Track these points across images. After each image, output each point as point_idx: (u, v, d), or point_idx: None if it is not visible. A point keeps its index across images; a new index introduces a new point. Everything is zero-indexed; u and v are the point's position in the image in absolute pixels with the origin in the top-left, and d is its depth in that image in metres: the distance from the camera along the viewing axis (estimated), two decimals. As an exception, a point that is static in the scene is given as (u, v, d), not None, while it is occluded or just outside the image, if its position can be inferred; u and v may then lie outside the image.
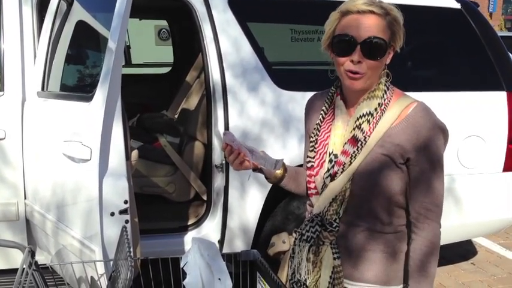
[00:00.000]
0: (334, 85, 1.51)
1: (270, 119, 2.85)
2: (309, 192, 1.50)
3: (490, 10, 34.59)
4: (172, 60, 5.22)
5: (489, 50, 3.20)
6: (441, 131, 1.40)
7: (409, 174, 1.40)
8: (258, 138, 2.82)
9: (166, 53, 5.69)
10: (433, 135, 1.38)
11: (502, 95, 3.16)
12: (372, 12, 1.35)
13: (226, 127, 2.78)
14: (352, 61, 1.35)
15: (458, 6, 3.29)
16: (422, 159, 1.38)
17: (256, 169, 1.51)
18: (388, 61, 1.42)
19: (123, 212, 2.03)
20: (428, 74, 3.33)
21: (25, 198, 2.67)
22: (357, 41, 1.34)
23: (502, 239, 4.24)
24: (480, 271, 3.69)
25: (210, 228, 2.91)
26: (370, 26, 1.34)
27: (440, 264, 3.88)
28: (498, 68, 3.19)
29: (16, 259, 2.64)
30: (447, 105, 2.98)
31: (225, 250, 2.89)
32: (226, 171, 2.80)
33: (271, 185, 2.73)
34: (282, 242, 2.73)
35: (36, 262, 1.57)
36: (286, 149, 2.85)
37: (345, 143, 1.41)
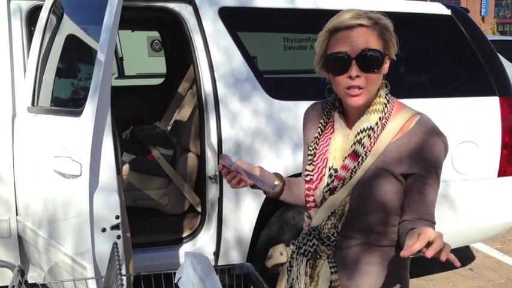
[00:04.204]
0: (332, 98, 1.49)
1: (263, 128, 2.84)
2: (308, 205, 1.48)
3: (482, 14, 34.89)
4: (165, 71, 5.22)
5: (480, 56, 3.20)
6: (443, 144, 1.37)
7: (407, 183, 1.38)
8: (251, 149, 2.81)
9: (159, 64, 5.69)
10: (436, 150, 1.36)
11: (495, 100, 3.16)
12: (360, 25, 1.33)
13: (219, 138, 2.76)
14: (350, 77, 1.33)
15: (448, 12, 3.30)
16: (423, 172, 1.36)
17: (254, 186, 1.49)
18: (386, 71, 1.39)
19: (114, 227, 2.01)
20: (420, 81, 3.34)
21: (17, 215, 2.64)
22: (351, 56, 1.32)
23: (499, 243, 4.22)
24: (478, 277, 3.68)
25: (205, 240, 2.89)
26: (362, 39, 1.32)
27: (437, 270, 3.87)
28: (490, 73, 3.19)
29: (9, 276, 2.60)
30: (440, 111, 2.98)
31: (221, 262, 2.86)
32: (220, 183, 2.78)
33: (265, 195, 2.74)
34: (280, 254, 2.71)
35: (26, 281, 1.54)
36: (280, 159, 2.84)
37: (345, 158, 1.39)
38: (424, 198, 1.37)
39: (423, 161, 1.35)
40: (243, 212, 2.83)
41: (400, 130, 1.38)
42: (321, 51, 1.40)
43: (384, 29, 1.35)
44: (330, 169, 1.41)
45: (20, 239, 2.67)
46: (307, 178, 1.47)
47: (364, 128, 1.38)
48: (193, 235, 2.94)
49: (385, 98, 1.40)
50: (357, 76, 1.32)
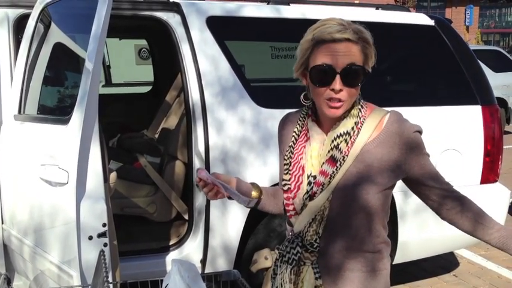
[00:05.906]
0: (306, 106, 1.51)
1: (250, 136, 2.86)
2: (288, 214, 1.50)
3: (467, 24, 35.36)
4: (152, 80, 5.22)
5: (463, 65, 3.27)
6: (418, 132, 1.44)
7: (413, 174, 1.44)
8: (238, 156, 2.83)
9: (146, 72, 5.69)
10: (414, 136, 1.42)
11: (477, 109, 3.22)
12: (347, 39, 1.34)
13: (206, 146, 2.78)
14: (333, 90, 1.35)
15: (431, 23, 3.36)
16: (417, 157, 1.42)
17: (230, 197, 1.51)
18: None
19: (101, 235, 2.01)
20: (404, 90, 3.38)
21: (2, 223, 2.63)
22: (336, 70, 1.34)
23: (483, 250, 4.28)
24: (462, 283, 3.72)
25: (192, 248, 2.89)
26: (347, 54, 1.34)
27: (422, 276, 3.89)
28: (472, 82, 3.26)
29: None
30: (424, 120, 3.03)
31: (208, 270, 2.87)
32: (207, 190, 2.79)
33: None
34: (265, 259, 2.70)
35: (12, 289, 1.54)
36: (267, 166, 2.86)
37: (323, 163, 1.41)
38: (435, 175, 1.48)
39: (408, 149, 1.40)
40: (230, 220, 2.85)
41: (374, 130, 1.41)
42: (303, 59, 1.41)
43: (366, 43, 1.38)
44: (308, 176, 1.43)
45: (6, 248, 2.65)
46: (285, 188, 1.48)
47: (340, 133, 1.40)
48: (180, 243, 2.94)
49: (359, 103, 1.44)
50: (340, 90, 1.35)
